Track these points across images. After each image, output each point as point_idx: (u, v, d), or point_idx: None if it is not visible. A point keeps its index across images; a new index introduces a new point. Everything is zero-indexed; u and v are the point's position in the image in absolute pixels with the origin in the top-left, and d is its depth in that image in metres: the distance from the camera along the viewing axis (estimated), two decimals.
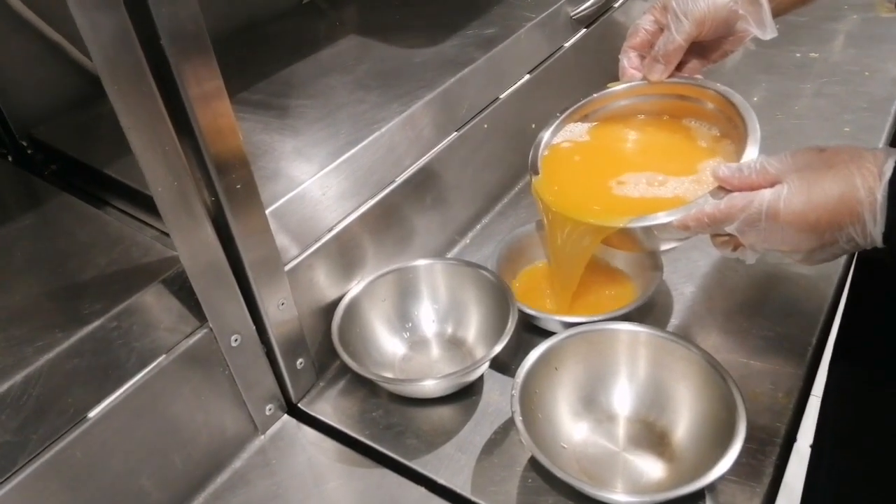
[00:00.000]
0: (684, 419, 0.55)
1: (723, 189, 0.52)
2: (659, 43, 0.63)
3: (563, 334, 0.58)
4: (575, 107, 0.69)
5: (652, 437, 0.56)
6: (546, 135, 0.67)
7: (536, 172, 0.64)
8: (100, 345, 0.48)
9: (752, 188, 0.50)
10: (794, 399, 0.58)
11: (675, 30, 0.60)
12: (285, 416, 0.63)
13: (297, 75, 0.77)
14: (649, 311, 0.67)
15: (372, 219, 0.67)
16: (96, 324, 0.48)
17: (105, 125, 0.69)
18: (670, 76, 0.65)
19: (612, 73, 0.69)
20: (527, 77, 0.83)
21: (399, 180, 0.69)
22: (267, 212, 0.55)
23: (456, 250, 0.79)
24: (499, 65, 0.79)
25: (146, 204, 0.59)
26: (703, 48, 0.65)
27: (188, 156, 0.48)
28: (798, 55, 1.08)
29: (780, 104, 0.97)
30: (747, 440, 0.49)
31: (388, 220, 0.69)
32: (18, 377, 0.45)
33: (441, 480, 0.56)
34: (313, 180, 0.61)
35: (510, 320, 0.60)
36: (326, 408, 0.63)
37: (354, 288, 0.66)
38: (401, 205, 0.70)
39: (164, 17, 0.42)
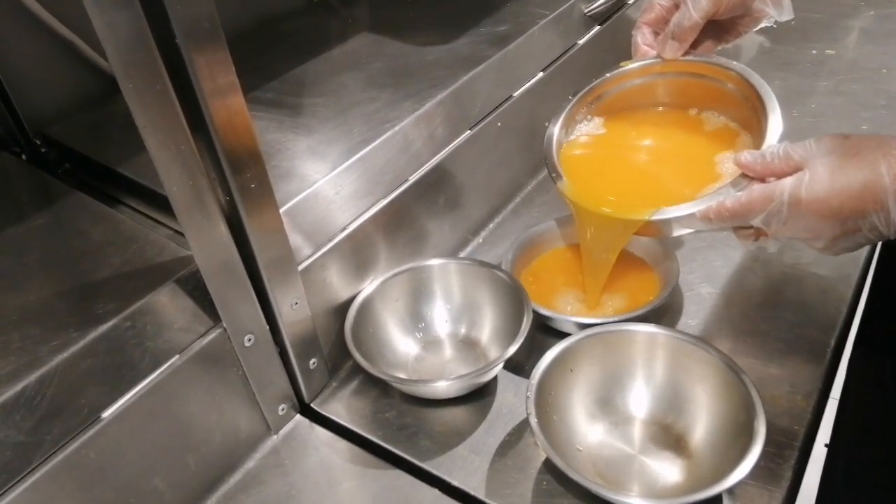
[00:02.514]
0: (702, 422, 0.54)
1: (746, 177, 0.52)
2: (674, 19, 0.61)
3: (578, 335, 0.57)
4: (588, 87, 0.67)
5: (668, 440, 0.55)
6: (558, 123, 0.66)
7: (556, 171, 0.63)
8: (114, 345, 0.48)
9: (776, 174, 0.50)
10: (812, 402, 0.58)
11: (693, 6, 0.59)
12: (298, 416, 0.63)
13: (309, 73, 0.76)
14: (665, 312, 0.66)
15: (385, 218, 0.66)
16: (110, 323, 0.48)
17: (119, 124, 0.69)
18: (685, 54, 0.63)
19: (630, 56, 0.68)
20: (540, 75, 0.83)
21: (412, 179, 0.68)
22: (281, 211, 0.55)
23: (469, 249, 0.78)
24: (512, 63, 0.78)
25: (160, 203, 0.59)
26: (718, 28, 0.64)
27: (203, 154, 0.48)
28: (814, 52, 1.07)
29: (796, 102, 0.96)
30: (766, 443, 0.48)
31: (401, 219, 0.68)
32: (33, 377, 0.45)
33: (455, 482, 0.55)
34: (326, 179, 0.61)
35: (525, 321, 0.60)
36: (339, 408, 0.63)
37: (367, 288, 0.66)
38: (414, 204, 0.69)
39: (180, 15, 0.42)
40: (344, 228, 0.63)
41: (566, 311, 0.65)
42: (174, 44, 0.43)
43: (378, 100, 0.70)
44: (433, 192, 0.72)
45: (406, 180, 0.68)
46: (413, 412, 0.62)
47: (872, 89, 0.96)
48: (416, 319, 0.67)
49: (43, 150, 0.69)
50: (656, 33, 0.65)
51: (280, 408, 0.61)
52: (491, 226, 0.81)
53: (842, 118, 0.91)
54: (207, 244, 0.50)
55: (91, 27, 0.39)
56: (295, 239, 0.58)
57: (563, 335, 0.63)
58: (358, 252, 0.65)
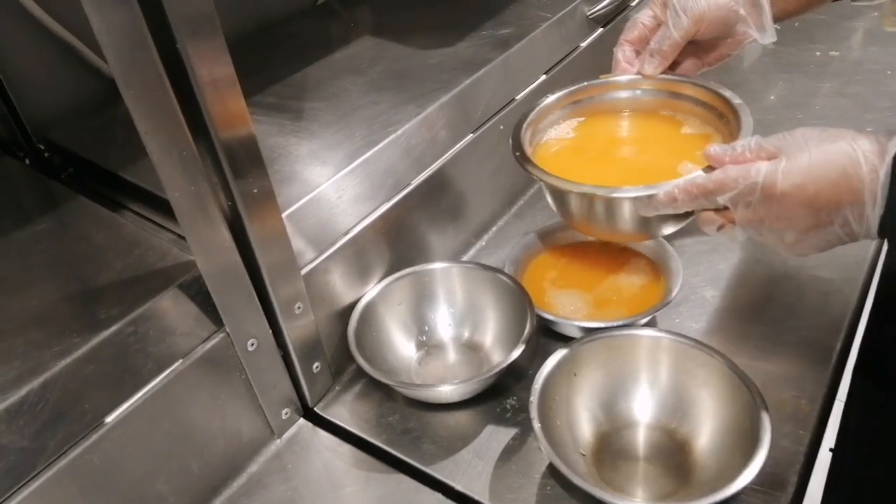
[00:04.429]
0: (706, 427, 0.54)
1: (713, 169, 0.51)
2: (656, 37, 0.62)
3: (582, 339, 0.57)
4: (567, 91, 0.68)
5: (673, 445, 0.55)
6: (532, 114, 0.66)
7: (520, 150, 0.62)
8: (117, 350, 0.48)
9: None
10: (818, 406, 0.57)
11: (673, 25, 0.59)
12: (301, 419, 0.63)
13: (311, 77, 0.76)
14: (669, 316, 0.66)
15: (387, 222, 0.66)
16: (113, 329, 0.48)
17: (121, 128, 0.70)
18: (664, 73, 0.64)
19: None
20: (543, 77, 0.83)
21: (415, 183, 0.68)
22: (283, 216, 0.55)
23: (471, 253, 0.78)
24: (514, 65, 0.78)
25: (162, 207, 0.59)
26: (700, 49, 0.64)
27: (204, 159, 0.48)
28: (818, 53, 1.07)
29: (800, 103, 0.95)
30: (770, 448, 0.48)
31: (404, 223, 0.68)
32: (36, 383, 0.44)
33: (458, 487, 0.55)
34: (329, 183, 0.61)
35: (528, 325, 0.59)
36: (342, 412, 0.63)
37: (370, 291, 0.66)
38: (416, 208, 0.69)
39: (180, 20, 0.42)
40: (346, 232, 0.63)
41: (569, 315, 0.65)
42: (175, 49, 0.43)
43: (380, 103, 0.70)
44: (435, 196, 0.71)
45: (408, 184, 0.68)
46: (416, 416, 0.61)
47: (877, 91, 0.95)
48: (420, 323, 0.67)
49: (46, 154, 0.69)
50: (637, 52, 0.65)
51: (283, 412, 0.61)
52: (494, 229, 0.81)
53: (846, 120, 0.91)
54: (210, 249, 0.50)
55: (93, 31, 0.39)
56: (297, 243, 0.58)
57: (566, 339, 0.64)
58: (360, 256, 0.65)
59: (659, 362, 0.57)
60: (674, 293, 0.62)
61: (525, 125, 0.65)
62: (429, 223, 0.72)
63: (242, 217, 0.51)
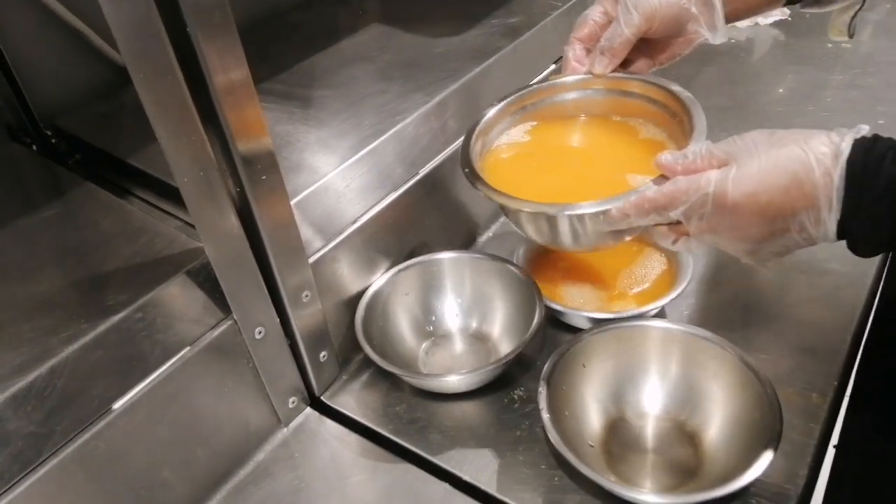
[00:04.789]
0: (716, 419, 0.54)
1: (665, 178, 0.49)
2: (606, 35, 0.60)
3: (591, 331, 0.57)
4: (514, 96, 0.65)
5: (682, 437, 0.55)
6: (481, 124, 0.63)
7: (474, 174, 0.58)
8: (124, 336, 0.48)
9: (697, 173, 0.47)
10: (828, 400, 0.57)
11: (624, 22, 0.58)
12: (308, 408, 0.63)
13: (319, 65, 0.76)
14: (678, 308, 0.66)
15: (395, 211, 0.66)
16: (121, 315, 0.48)
17: (128, 115, 0.69)
18: (615, 71, 0.62)
19: None
20: (552, 67, 0.82)
21: (423, 172, 0.68)
22: (291, 203, 0.54)
23: (480, 243, 0.78)
24: (524, 55, 0.78)
25: (170, 194, 0.58)
26: (652, 48, 0.62)
27: (214, 146, 0.47)
28: (829, 45, 1.06)
29: (811, 95, 0.95)
30: (781, 441, 0.48)
31: (412, 212, 0.68)
32: (44, 368, 0.44)
33: (466, 477, 0.55)
34: (337, 172, 0.60)
35: (536, 316, 0.59)
36: (349, 401, 0.63)
37: (378, 281, 0.65)
38: (424, 197, 0.69)
39: (191, 5, 0.42)
40: (354, 221, 0.63)
41: (577, 306, 0.65)
42: (185, 33, 0.42)
43: (389, 92, 0.69)
44: (444, 185, 0.71)
45: (417, 173, 0.68)
46: (423, 406, 0.61)
47: (888, 83, 0.94)
48: (427, 313, 0.67)
49: (53, 140, 0.69)
50: (588, 50, 0.63)
51: (290, 400, 0.60)
52: (502, 219, 0.80)
53: (857, 112, 0.90)
54: (218, 236, 0.49)
55: (102, 18, 0.39)
56: (305, 231, 0.57)
57: (574, 330, 0.63)
58: (368, 245, 0.64)
59: (669, 354, 0.56)
60: (684, 285, 0.62)
61: (474, 137, 0.62)
62: (437, 213, 0.71)
63: (251, 204, 0.50)
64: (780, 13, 1.13)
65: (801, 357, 0.60)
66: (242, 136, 0.47)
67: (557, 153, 0.64)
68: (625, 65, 0.62)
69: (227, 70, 0.45)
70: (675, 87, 0.59)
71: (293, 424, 0.61)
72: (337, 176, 0.60)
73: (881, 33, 1.07)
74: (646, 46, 0.61)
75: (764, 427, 0.49)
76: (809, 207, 0.43)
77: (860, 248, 0.44)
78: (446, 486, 0.55)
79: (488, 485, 0.54)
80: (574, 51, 0.63)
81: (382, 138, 0.63)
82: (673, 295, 0.61)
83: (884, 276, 0.69)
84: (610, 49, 0.60)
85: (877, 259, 0.69)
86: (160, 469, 0.52)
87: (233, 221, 0.50)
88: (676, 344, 0.56)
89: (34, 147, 0.69)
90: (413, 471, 0.57)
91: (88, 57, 0.71)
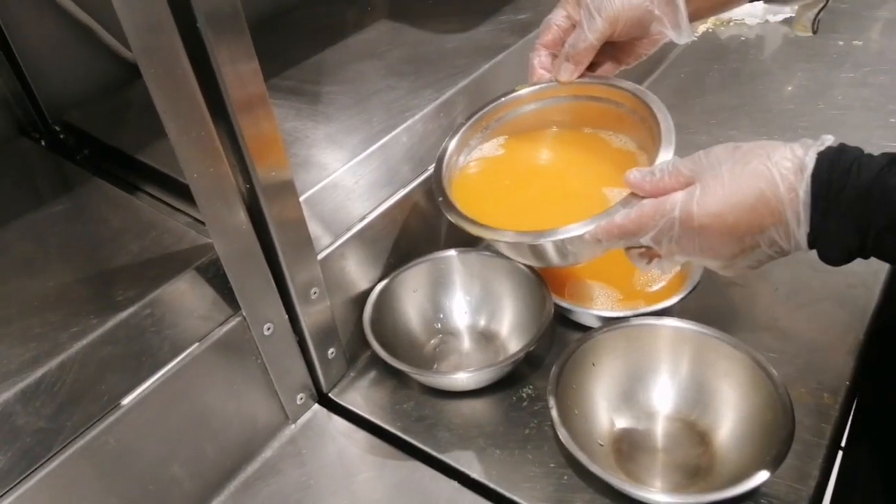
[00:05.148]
0: (727, 419, 0.53)
1: (636, 196, 0.49)
2: (569, 41, 0.59)
3: (601, 329, 0.57)
4: (480, 113, 0.64)
5: (692, 436, 0.54)
6: (448, 152, 0.62)
7: (446, 200, 0.59)
8: (133, 332, 0.48)
9: (666, 191, 0.47)
10: (840, 400, 0.56)
11: (588, 27, 0.57)
12: (316, 405, 0.62)
13: (328, 61, 0.76)
14: (688, 307, 0.65)
15: (404, 208, 0.66)
16: (130, 311, 0.48)
17: (136, 111, 0.69)
18: (581, 76, 0.61)
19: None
20: None
21: (431, 169, 0.68)
22: (300, 199, 0.54)
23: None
24: None
25: (177, 190, 0.58)
26: (616, 50, 0.61)
27: (223, 141, 0.47)
28: (840, 43, 1.05)
29: (822, 93, 0.94)
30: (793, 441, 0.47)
31: (421, 209, 0.68)
32: (53, 363, 0.44)
33: (474, 475, 0.55)
34: (346, 168, 0.60)
35: (545, 314, 0.59)
36: (357, 398, 0.63)
37: (386, 278, 0.65)
38: (433, 194, 0.68)
39: (201, 0, 0.41)
40: (363, 218, 0.63)
41: (586, 304, 0.64)
42: (195, 28, 0.42)
43: (398, 88, 0.69)
44: None
45: (426, 169, 0.67)
46: (431, 403, 0.61)
47: None
48: (435, 310, 0.67)
49: (62, 136, 0.69)
50: (554, 55, 0.62)
51: (298, 397, 0.60)
52: None
53: (868, 110, 0.89)
54: (228, 232, 0.49)
55: (111, 14, 0.39)
56: (313, 228, 0.57)
57: (583, 328, 0.63)
58: (377, 241, 0.64)
59: (680, 353, 0.56)
60: (693, 284, 0.61)
61: (445, 162, 0.61)
62: None
63: (260, 200, 0.50)
64: (789, 10, 1.13)
65: (812, 356, 0.60)
66: (252, 131, 0.47)
67: (531, 168, 0.63)
68: (591, 68, 0.61)
69: (237, 65, 0.45)
70: (639, 90, 0.59)
71: (301, 421, 0.61)
72: (346, 172, 0.60)
73: (891, 31, 1.07)
74: (610, 48, 0.61)
75: (776, 427, 0.49)
76: (777, 223, 0.42)
77: (831, 258, 0.43)
78: (455, 483, 0.55)
79: (497, 483, 0.54)
80: (539, 57, 0.62)
81: (392, 134, 0.63)
82: (683, 293, 0.61)
83: None
84: (574, 55, 0.59)
85: None
86: (169, 464, 0.52)
87: (242, 217, 0.50)
88: (687, 343, 0.56)
89: (42, 142, 0.69)
90: (421, 468, 0.56)
91: (97, 53, 0.71)
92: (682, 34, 0.58)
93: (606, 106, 0.62)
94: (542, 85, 0.63)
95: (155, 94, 0.42)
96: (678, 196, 0.45)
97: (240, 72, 0.45)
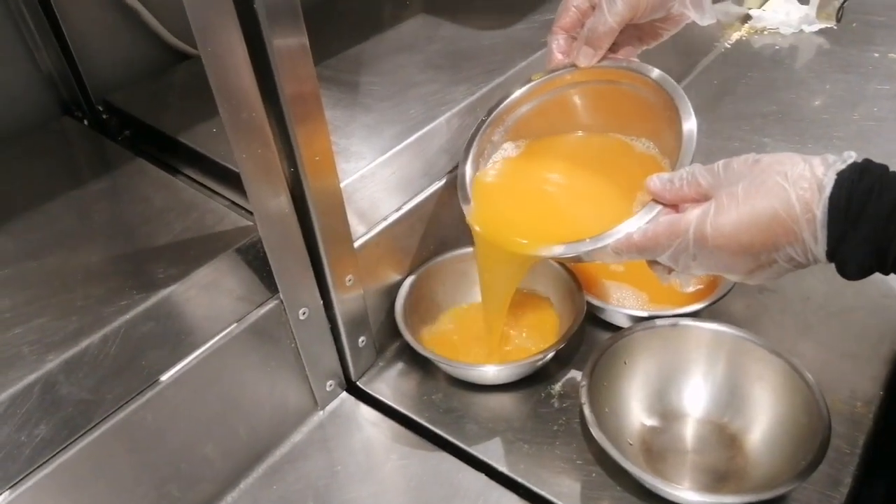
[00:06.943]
0: (760, 423, 0.53)
1: (657, 202, 0.48)
2: (588, 24, 0.57)
3: (634, 328, 0.57)
4: (500, 107, 0.62)
5: (723, 439, 0.54)
6: (472, 151, 0.61)
7: (467, 201, 0.58)
8: (174, 309, 0.48)
9: (685, 201, 0.47)
10: (873, 408, 0.56)
11: (608, 10, 0.55)
12: (344, 393, 0.63)
13: (366, 53, 0.76)
14: (720, 310, 0.65)
15: (439, 200, 0.66)
16: (171, 288, 0.48)
17: (178, 95, 0.70)
18: (601, 59, 0.59)
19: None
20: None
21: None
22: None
23: None
24: None
25: (217, 173, 0.59)
26: (637, 31, 0.60)
27: (272, 125, 0.47)
28: (876, 55, 1.04)
29: (857, 105, 0.93)
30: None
31: (455, 202, 0.67)
32: (96, 336, 0.45)
33: (501, 468, 0.55)
34: (384, 159, 0.60)
35: (577, 311, 0.59)
36: (385, 388, 0.63)
37: (419, 269, 0.65)
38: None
39: None
40: (399, 209, 0.63)
41: (618, 303, 0.64)
42: (252, 9, 0.43)
43: (435, 81, 0.69)
44: None
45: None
46: (459, 396, 0.61)
47: None
48: (466, 303, 0.67)
49: (104, 116, 0.69)
50: (573, 38, 0.60)
51: (328, 384, 0.61)
52: None
53: None
54: (271, 215, 0.50)
55: None
56: (350, 216, 0.57)
57: (613, 327, 0.63)
58: (411, 233, 0.64)
59: (713, 355, 0.56)
60: (727, 288, 0.61)
61: (466, 170, 0.60)
62: None
63: (303, 185, 0.50)
64: (826, 19, 1.12)
65: (845, 364, 0.59)
66: (300, 115, 0.48)
67: (551, 173, 0.61)
68: (611, 49, 0.59)
69: (291, 48, 0.45)
70: (662, 78, 0.56)
71: (329, 408, 0.62)
72: (383, 163, 0.60)
73: None
74: (630, 28, 0.59)
75: (811, 434, 0.48)
76: (793, 242, 0.42)
77: (848, 275, 0.43)
78: (483, 476, 0.55)
79: (525, 477, 0.54)
80: (557, 41, 0.60)
81: (429, 127, 0.63)
82: (716, 296, 0.61)
83: None
84: (594, 39, 0.57)
85: None
86: (203, 444, 0.52)
87: (285, 201, 0.50)
88: (722, 345, 0.55)
89: (85, 122, 0.70)
90: (449, 459, 0.57)
91: (142, 37, 0.71)
92: (705, 15, 0.57)
93: (626, 89, 0.59)
94: (559, 72, 0.61)
95: (210, 72, 0.42)
96: (692, 215, 0.45)
97: (293, 55, 0.45)
